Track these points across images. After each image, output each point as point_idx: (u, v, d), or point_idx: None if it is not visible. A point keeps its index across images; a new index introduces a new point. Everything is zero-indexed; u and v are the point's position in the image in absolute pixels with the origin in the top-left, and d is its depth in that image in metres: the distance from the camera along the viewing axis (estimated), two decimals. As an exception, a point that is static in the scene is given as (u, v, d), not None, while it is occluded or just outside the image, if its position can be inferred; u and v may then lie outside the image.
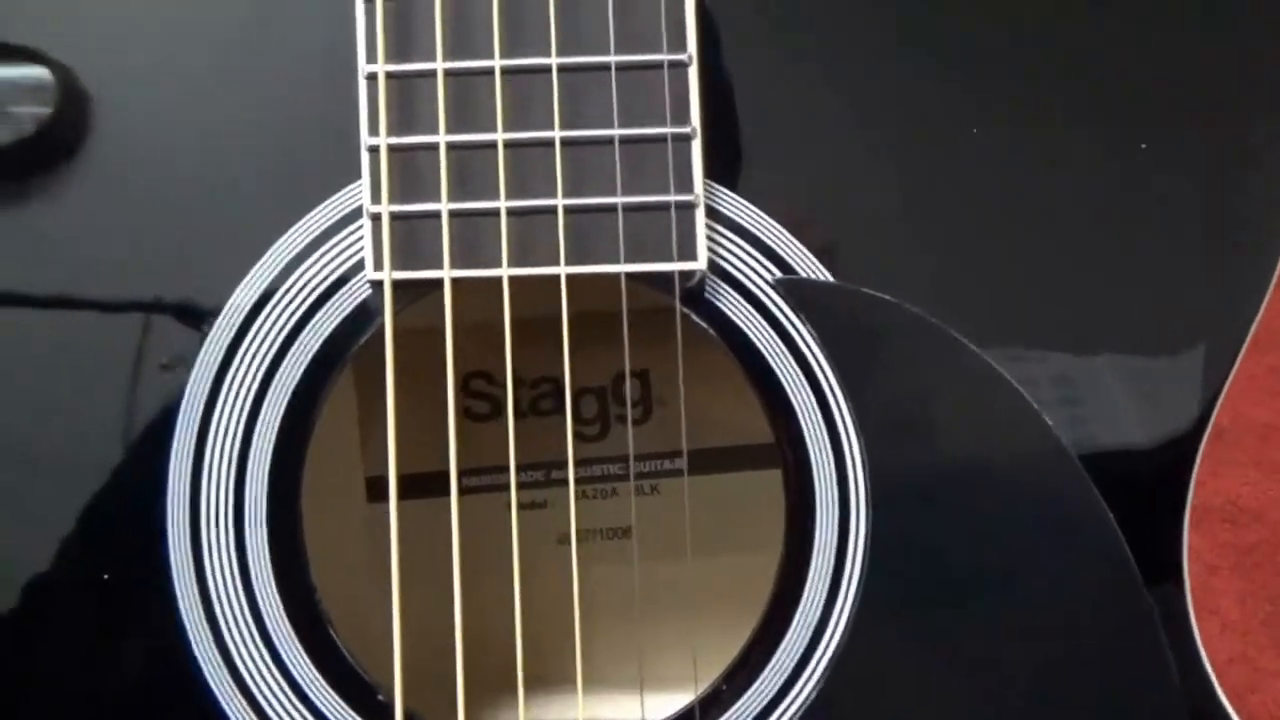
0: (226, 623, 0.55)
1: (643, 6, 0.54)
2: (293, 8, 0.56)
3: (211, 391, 0.55)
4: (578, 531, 0.56)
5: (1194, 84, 0.56)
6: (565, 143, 0.54)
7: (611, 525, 0.70)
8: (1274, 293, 0.55)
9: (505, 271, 0.54)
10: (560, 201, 0.54)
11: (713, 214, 0.55)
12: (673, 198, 0.54)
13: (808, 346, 0.55)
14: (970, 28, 0.56)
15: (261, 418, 0.55)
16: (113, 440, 0.55)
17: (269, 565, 0.55)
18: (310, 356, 0.55)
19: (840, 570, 0.55)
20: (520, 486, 0.56)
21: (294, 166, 0.55)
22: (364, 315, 0.55)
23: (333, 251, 0.55)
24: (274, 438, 0.55)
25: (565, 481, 0.56)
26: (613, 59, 0.54)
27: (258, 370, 0.55)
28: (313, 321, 0.55)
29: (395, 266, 0.54)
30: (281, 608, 0.55)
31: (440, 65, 0.53)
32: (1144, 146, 0.55)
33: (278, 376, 0.55)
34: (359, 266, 0.55)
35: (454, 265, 0.54)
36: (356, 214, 0.55)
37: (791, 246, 0.55)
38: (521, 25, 0.54)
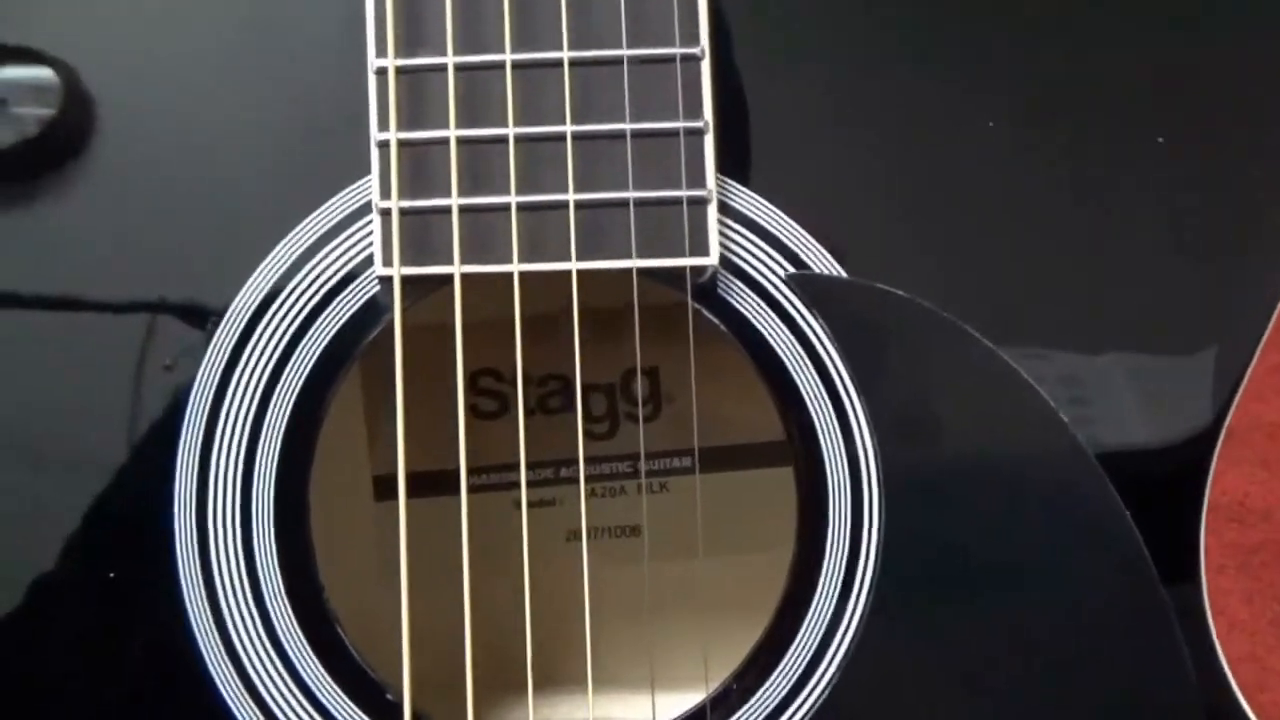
0: (233, 622, 0.54)
1: (655, -1, 0.54)
2: (300, 2, 0.56)
3: (218, 389, 0.55)
4: (587, 530, 0.56)
5: (1208, 79, 0.56)
6: (576, 137, 0.53)
7: (621, 523, 0.69)
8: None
9: (516, 267, 0.53)
10: (571, 196, 0.53)
11: (725, 209, 0.55)
12: (685, 192, 0.53)
13: (820, 342, 0.55)
14: (985, 22, 0.56)
15: (269, 415, 0.55)
16: (120, 438, 0.55)
17: (276, 564, 0.55)
18: (318, 353, 0.55)
19: (853, 568, 0.55)
20: (529, 484, 0.56)
21: (302, 162, 0.55)
22: (372, 311, 0.55)
23: (341, 248, 0.55)
24: (281, 435, 0.55)
25: (574, 479, 0.56)
26: (625, 53, 0.53)
27: (265, 368, 0.55)
28: (321, 318, 0.55)
29: (404, 262, 0.53)
30: (289, 607, 0.55)
31: (451, 59, 0.53)
32: (1160, 140, 0.55)
33: (285, 374, 0.55)
34: (368, 262, 0.55)
35: (464, 260, 0.53)
36: (365, 209, 0.54)
37: (804, 242, 0.55)
38: (532, 18, 0.53)
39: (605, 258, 0.54)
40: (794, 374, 0.55)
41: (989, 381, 0.54)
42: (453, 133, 0.53)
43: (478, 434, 0.66)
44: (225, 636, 0.54)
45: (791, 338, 0.55)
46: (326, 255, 0.55)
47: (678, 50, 0.53)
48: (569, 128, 0.53)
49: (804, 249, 0.55)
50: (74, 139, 0.54)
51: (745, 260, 0.55)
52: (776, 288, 0.55)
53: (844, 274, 0.55)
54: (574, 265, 0.53)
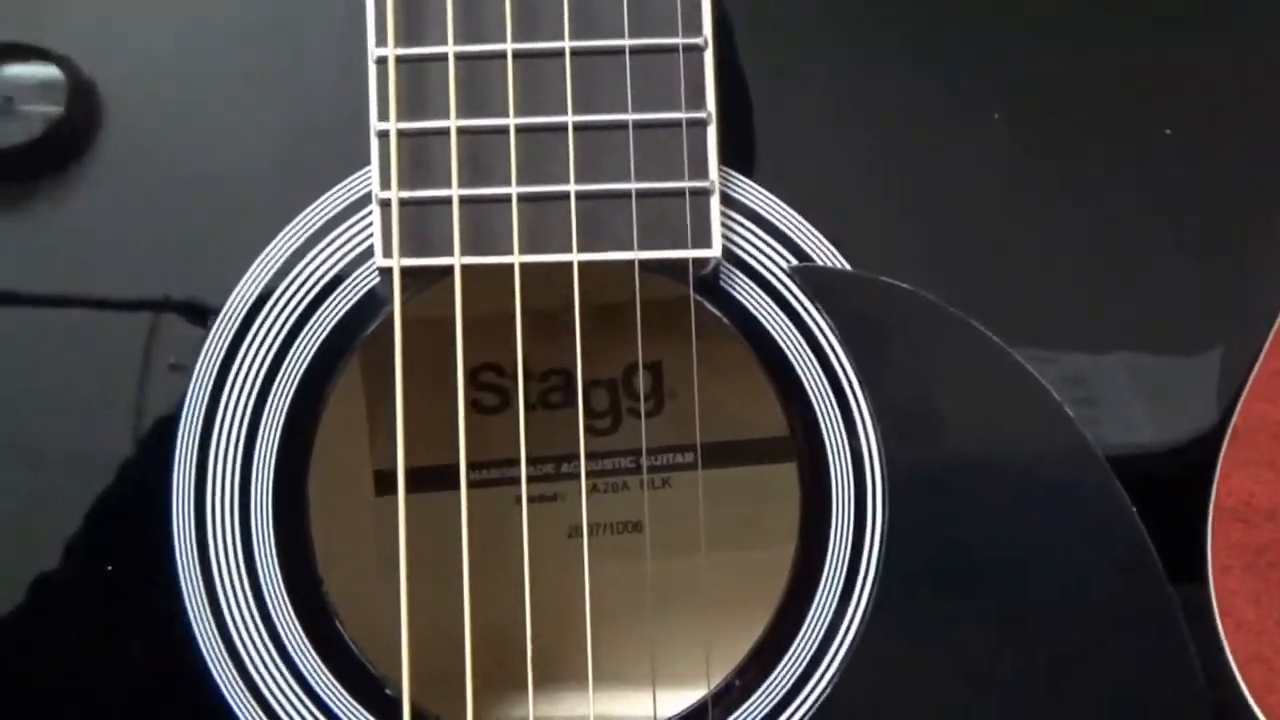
0: (232, 617, 0.54)
1: (658, -12, 0.54)
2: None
3: (217, 382, 0.54)
4: (588, 525, 0.55)
5: (1214, 78, 0.56)
6: (578, 128, 0.53)
7: (623, 519, 0.69)
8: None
9: (516, 258, 0.53)
10: (573, 187, 0.53)
11: (728, 200, 0.54)
12: (687, 184, 0.53)
13: (824, 335, 0.55)
14: (988, 15, 0.56)
15: (268, 408, 0.55)
16: (117, 432, 0.54)
17: (275, 558, 0.54)
18: (317, 346, 0.55)
19: (856, 564, 0.55)
20: (530, 480, 0.55)
21: (300, 154, 0.55)
22: (372, 303, 0.55)
23: (341, 239, 0.55)
24: (280, 428, 0.55)
25: (576, 475, 0.56)
26: (627, 42, 0.53)
27: (263, 361, 0.54)
28: (320, 310, 0.55)
29: (404, 253, 0.53)
30: (288, 602, 0.54)
31: (451, 49, 0.53)
32: (1167, 132, 0.54)
33: (284, 366, 0.55)
34: (367, 254, 0.54)
35: (464, 252, 0.53)
36: (365, 201, 0.54)
37: (808, 234, 0.55)
38: (534, 8, 0.53)
39: (607, 249, 0.53)
40: (797, 368, 0.55)
41: (994, 376, 0.54)
42: (453, 123, 0.53)
43: (479, 429, 0.67)
44: (224, 631, 0.54)
45: (795, 331, 0.55)
46: (325, 247, 0.54)
47: (680, 40, 0.53)
48: (570, 118, 0.53)
49: (807, 241, 0.55)
50: (79, 136, 0.54)
51: (748, 252, 0.55)
52: (779, 280, 0.55)
53: (847, 266, 0.54)
54: (575, 257, 0.53)
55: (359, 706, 0.55)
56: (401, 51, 0.53)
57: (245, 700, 0.54)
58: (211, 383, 0.54)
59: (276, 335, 0.54)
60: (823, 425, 0.55)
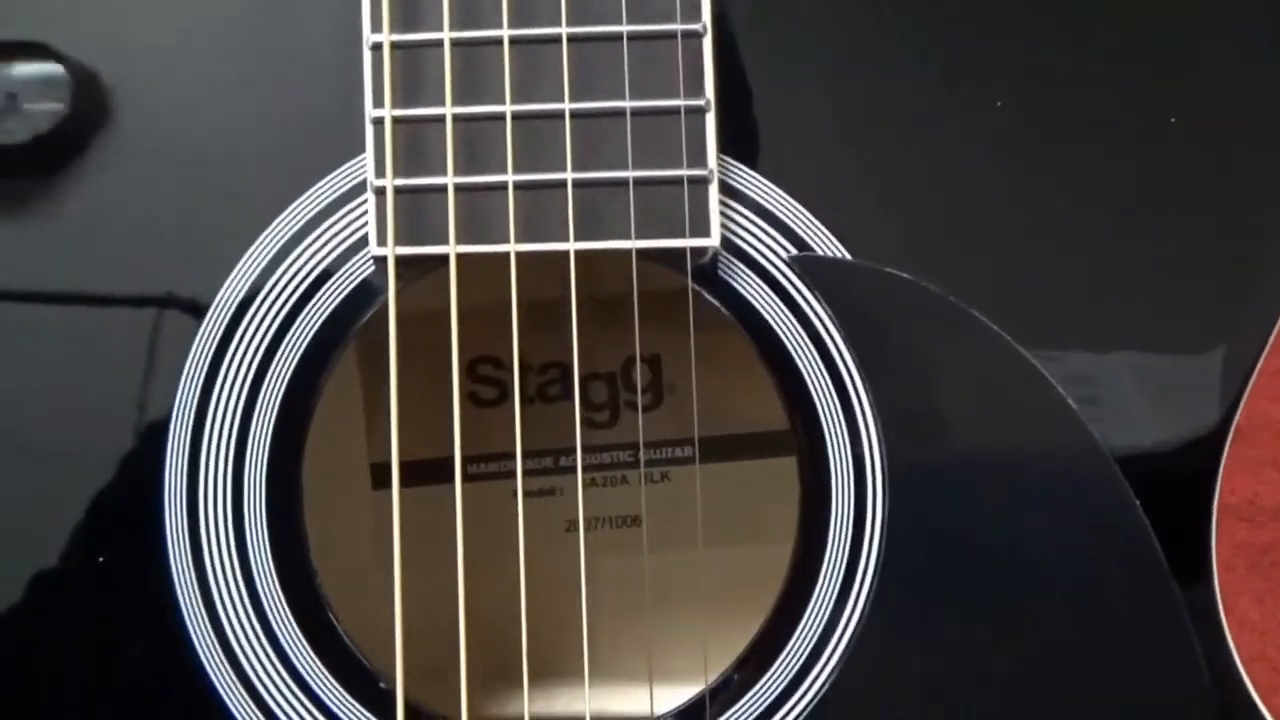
0: (225, 611, 0.54)
1: (656, -26, 0.53)
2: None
3: (209, 372, 0.54)
4: (586, 520, 0.55)
5: (1218, 76, 0.55)
6: (575, 115, 0.53)
7: (621, 513, 0.69)
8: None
9: (513, 247, 0.53)
10: (570, 175, 0.53)
11: (726, 189, 0.54)
12: (685, 172, 0.53)
13: (824, 326, 0.54)
14: (993, 3, 0.55)
15: (261, 399, 0.54)
16: (108, 423, 0.54)
17: (269, 552, 0.54)
18: (311, 336, 0.54)
19: (855, 560, 0.54)
20: (528, 473, 0.55)
21: (295, 141, 0.55)
22: (367, 293, 0.54)
23: (335, 228, 0.54)
24: (273, 419, 0.54)
25: (573, 469, 0.56)
26: (625, 29, 0.53)
27: (256, 351, 0.54)
28: (314, 300, 0.54)
29: (399, 242, 0.53)
30: (282, 595, 0.54)
31: (447, 35, 0.53)
32: (1173, 121, 0.54)
33: (277, 357, 0.54)
34: (362, 243, 0.54)
35: (460, 240, 0.53)
36: (360, 189, 0.54)
37: (807, 223, 0.54)
38: (531, -7, 0.53)
39: (604, 238, 0.53)
40: (797, 359, 0.54)
41: (998, 369, 0.54)
42: (449, 110, 0.53)
43: (476, 422, 0.67)
44: (217, 625, 0.54)
45: (794, 321, 0.54)
46: (321, 236, 0.54)
47: (679, 27, 0.53)
48: (567, 105, 0.53)
49: (807, 231, 0.54)
50: (81, 132, 0.54)
51: (747, 242, 0.54)
52: (779, 270, 0.54)
53: (848, 256, 0.54)
54: (572, 245, 0.53)
55: (353, 701, 0.54)
56: (397, 38, 0.53)
57: (238, 693, 0.54)
58: (204, 373, 0.54)
59: (269, 326, 0.54)
60: (822, 418, 0.54)
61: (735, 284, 0.54)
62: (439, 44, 0.53)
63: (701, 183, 0.53)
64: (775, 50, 0.54)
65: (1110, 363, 0.54)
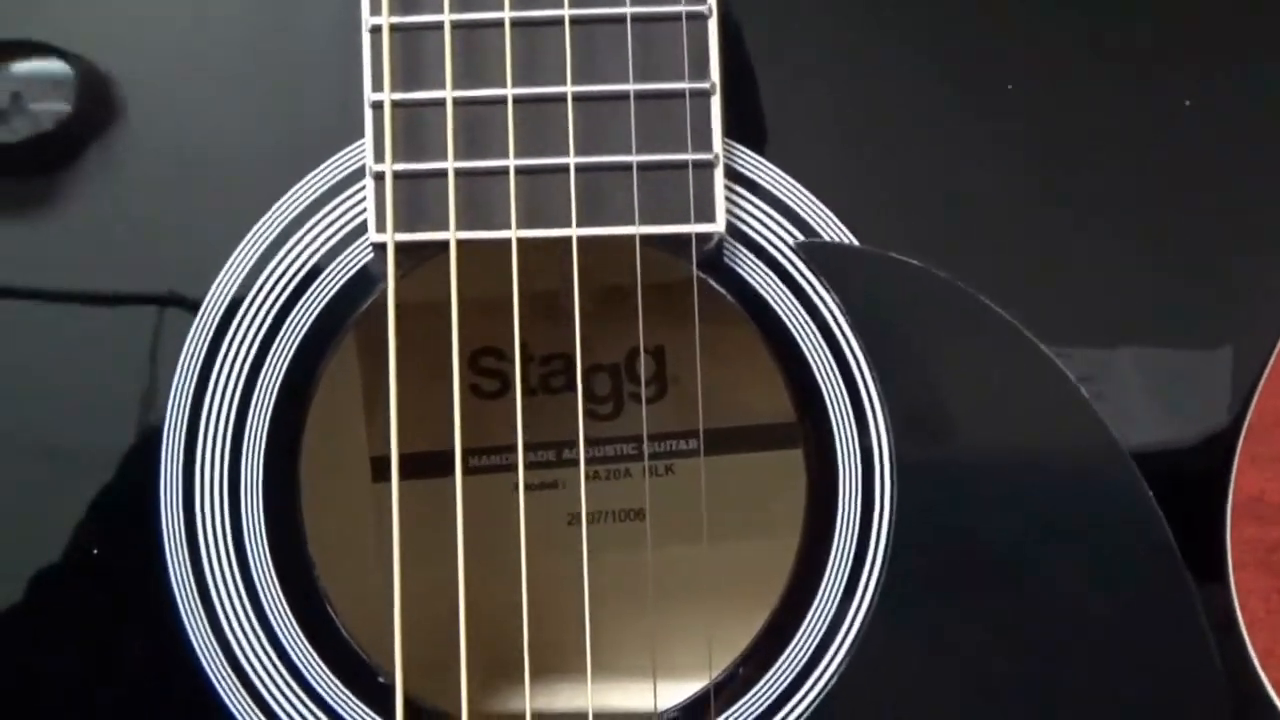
0: (222, 605, 0.54)
1: (660, -46, 0.53)
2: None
3: (205, 363, 0.54)
4: (589, 513, 0.55)
5: (1230, 62, 0.55)
6: (578, 98, 0.52)
7: (624, 507, 0.69)
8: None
9: (514, 233, 0.52)
10: (572, 160, 0.52)
11: (732, 174, 0.54)
12: (690, 156, 0.52)
13: (831, 313, 0.54)
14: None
15: (257, 390, 0.54)
16: (102, 415, 0.54)
17: (266, 545, 0.54)
18: (309, 324, 0.54)
19: (863, 554, 0.54)
20: (530, 466, 0.56)
21: (292, 126, 0.54)
22: (365, 281, 0.54)
23: (333, 214, 0.54)
24: (270, 411, 0.54)
25: (576, 461, 0.55)
26: (628, 10, 0.52)
27: (253, 341, 0.54)
28: (311, 289, 0.54)
29: (399, 228, 0.53)
30: (279, 589, 0.54)
31: (447, 17, 0.52)
32: (1188, 103, 0.54)
33: (274, 346, 0.54)
34: (360, 230, 0.54)
35: (460, 227, 0.52)
36: (359, 174, 0.54)
37: (815, 209, 0.54)
38: (533, -27, 0.53)
39: (607, 224, 0.53)
40: (804, 348, 0.54)
41: (1010, 359, 0.53)
42: (449, 93, 0.52)
43: (478, 414, 0.68)
44: (214, 620, 0.54)
45: (801, 310, 0.54)
46: (318, 222, 0.54)
47: (684, 8, 0.52)
48: (570, 88, 0.52)
49: (814, 216, 0.54)
50: (85, 131, 0.54)
51: (753, 228, 0.54)
52: (786, 257, 0.54)
53: (855, 242, 0.54)
54: (574, 232, 0.52)
55: (351, 696, 0.54)
56: (396, 20, 0.53)
57: (235, 689, 0.54)
58: (200, 364, 0.54)
59: (266, 315, 0.54)
60: (830, 409, 0.54)
61: (741, 271, 0.54)
62: (439, 26, 0.52)
63: (706, 167, 0.53)
64: (782, 31, 0.54)
65: (1120, 358, 0.54)
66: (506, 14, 0.52)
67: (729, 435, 0.68)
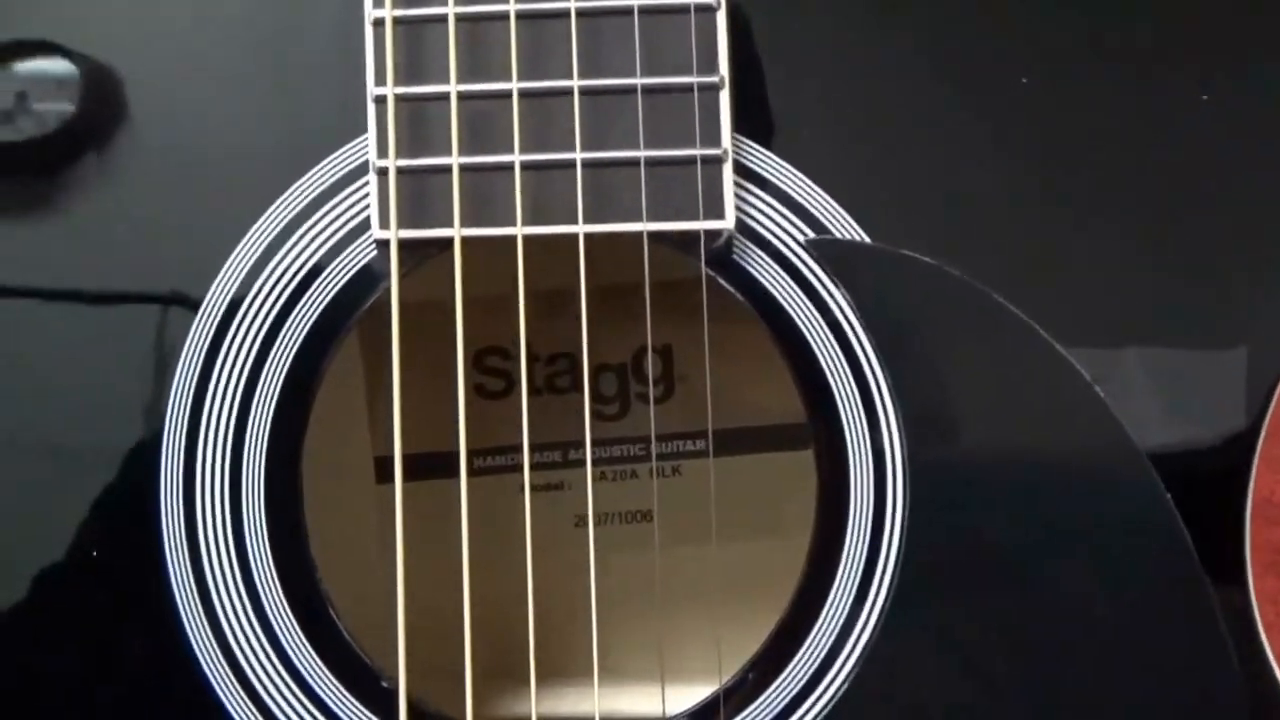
0: (223, 608, 0.54)
1: (667, -55, 0.53)
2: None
3: (206, 361, 0.54)
4: (596, 515, 0.55)
5: (1243, 56, 0.55)
6: (584, 92, 0.52)
7: (631, 508, 0.69)
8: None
9: (519, 230, 0.52)
10: (579, 155, 0.52)
11: (742, 170, 0.53)
12: (699, 151, 0.52)
13: (842, 312, 0.53)
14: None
15: (259, 390, 0.54)
16: (103, 416, 0.54)
17: (267, 546, 0.54)
18: (311, 322, 0.54)
19: (875, 556, 0.53)
20: (536, 467, 0.56)
21: (293, 122, 0.54)
22: (368, 279, 0.54)
23: (336, 211, 0.54)
24: (272, 411, 0.54)
25: (582, 462, 0.55)
26: (635, 2, 0.52)
27: (255, 339, 0.54)
28: (314, 285, 0.54)
29: (402, 225, 0.52)
30: (281, 591, 0.54)
31: (451, 10, 0.52)
32: (1205, 98, 0.53)
33: (276, 345, 0.54)
34: (364, 227, 0.54)
35: (465, 223, 0.52)
36: (361, 171, 0.54)
37: (826, 205, 0.53)
38: (537, -33, 0.53)
39: (614, 221, 0.52)
40: (814, 347, 0.54)
41: (1024, 358, 0.53)
42: (453, 87, 0.52)
43: (483, 414, 0.68)
44: (215, 623, 0.53)
45: (812, 308, 0.53)
46: (321, 219, 0.54)
47: (692, 0, 0.52)
48: (576, 82, 0.52)
49: (825, 213, 0.53)
50: (89, 130, 0.54)
51: (763, 225, 0.53)
52: (796, 254, 0.53)
53: (867, 239, 0.53)
54: (581, 228, 0.52)
55: (354, 700, 0.54)
56: (399, 13, 0.52)
57: (236, 693, 0.53)
58: (201, 360, 0.54)
59: (268, 313, 0.54)
60: (841, 409, 0.54)
61: (750, 268, 0.54)
62: (443, 19, 0.52)
63: (716, 163, 0.52)
64: (792, 23, 0.54)
65: (1132, 359, 0.54)
66: (511, 6, 0.52)
67: (738, 435, 0.67)
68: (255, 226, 0.53)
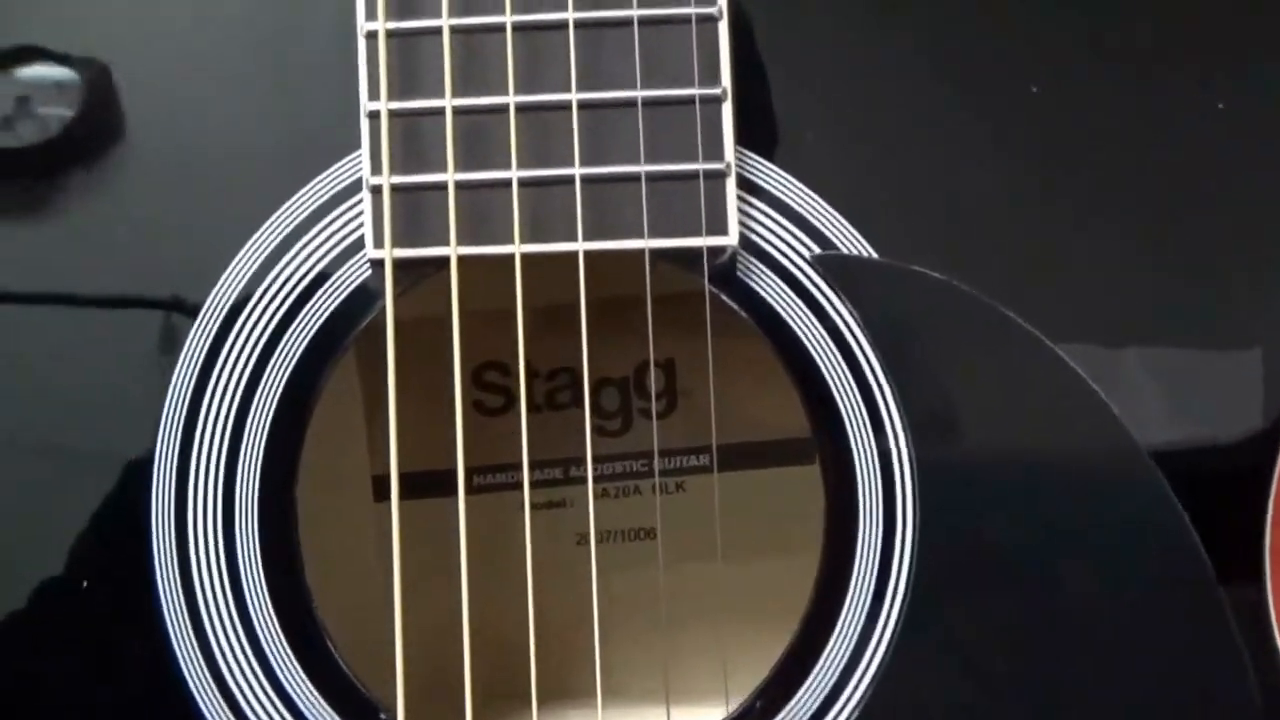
0: (215, 635, 0.53)
1: (668, -47, 0.53)
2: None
3: (199, 382, 0.53)
4: (598, 533, 0.55)
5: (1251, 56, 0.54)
6: (583, 106, 0.52)
7: (634, 526, 0.68)
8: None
9: (517, 248, 0.52)
10: (578, 171, 0.52)
11: (745, 184, 0.53)
12: (701, 166, 0.52)
13: (848, 328, 0.53)
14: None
15: (254, 408, 0.53)
16: (94, 431, 0.54)
17: (261, 571, 0.53)
18: (306, 342, 0.53)
19: (886, 572, 0.53)
20: (536, 485, 0.57)
21: (294, 133, 0.54)
22: (364, 297, 0.53)
23: (334, 226, 0.53)
24: (267, 430, 0.53)
25: (584, 479, 0.55)
26: (635, 13, 0.52)
27: (249, 358, 0.53)
28: (309, 305, 0.53)
29: (397, 244, 0.52)
30: (274, 617, 0.53)
31: (446, 21, 0.52)
32: (1221, 106, 0.53)
33: (271, 363, 0.53)
34: (359, 245, 0.53)
35: (461, 242, 0.52)
36: (356, 187, 0.53)
37: (831, 220, 0.53)
38: (534, -24, 0.53)
39: (615, 238, 0.52)
40: (820, 363, 0.53)
41: (1033, 371, 0.53)
42: (449, 102, 0.52)
43: (482, 431, 0.68)
44: (206, 651, 0.53)
45: (817, 324, 0.53)
46: (315, 237, 0.53)
47: (693, 10, 0.52)
48: (575, 96, 0.52)
49: (830, 228, 0.53)
50: (89, 136, 0.54)
51: (767, 240, 0.53)
52: (801, 270, 0.53)
53: (874, 255, 0.53)
54: (581, 246, 0.52)
55: None
56: (393, 25, 0.52)
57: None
58: (194, 382, 0.53)
59: (263, 331, 0.53)
60: (848, 425, 0.53)
61: (755, 285, 0.53)
62: (438, 31, 0.52)
63: (718, 177, 0.52)
64: (795, 35, 0.54)
65: (1138, 359, 0.53)
66: (508, 18, 0.52)
67: (742, 451, 0.67)
68: (254, 237, 0.53)
